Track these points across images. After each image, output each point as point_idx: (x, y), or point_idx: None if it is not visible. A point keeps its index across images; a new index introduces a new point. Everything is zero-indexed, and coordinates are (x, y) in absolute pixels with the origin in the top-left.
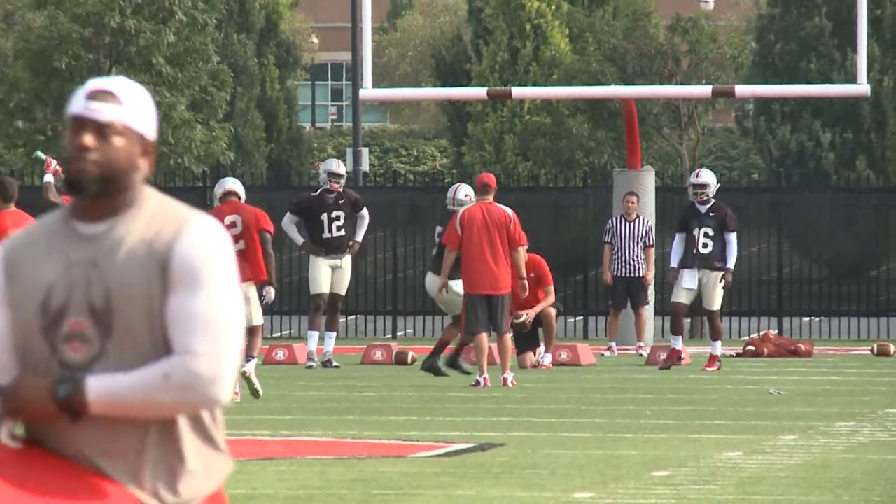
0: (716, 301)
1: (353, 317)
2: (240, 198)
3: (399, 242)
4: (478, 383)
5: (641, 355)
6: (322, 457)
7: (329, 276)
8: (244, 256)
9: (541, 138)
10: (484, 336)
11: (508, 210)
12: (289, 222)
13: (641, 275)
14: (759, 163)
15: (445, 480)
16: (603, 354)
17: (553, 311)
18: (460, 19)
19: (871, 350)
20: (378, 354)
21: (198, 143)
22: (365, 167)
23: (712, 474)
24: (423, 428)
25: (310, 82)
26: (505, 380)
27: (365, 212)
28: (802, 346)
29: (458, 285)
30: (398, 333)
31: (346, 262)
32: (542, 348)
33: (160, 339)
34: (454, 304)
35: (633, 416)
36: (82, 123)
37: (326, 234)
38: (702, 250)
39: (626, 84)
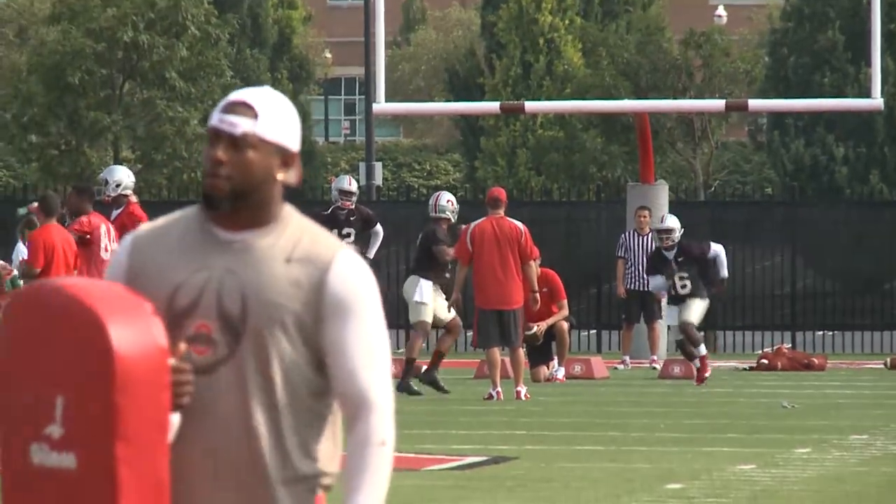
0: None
1: None
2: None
3: (412, 257)
4: (491, 397)
5: (655, 369)
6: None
7: None
8: None
9: (554, 153)
10: (496, 350)
11: (519, 224)
12: None
13: None
14: (772, 177)
15: (459, 493)
16: (616, 368)
17: (566, 325)
18: (473, 34)
19: (885, 364)
20: (392, 368)
21: None
22: (378, 182)
23: (725, 487)
24: (437, 441)
25: (323, 97)
26: (518, 393)
27: (379, 228)
28: (816, 360)
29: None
30: None
31: None
32: (555, 362)
33: (303, 355)
34: (423, 312)
35: (647, 429)
36: (217, 136)
37: None
38: (681, 291)
39: (639, 98)
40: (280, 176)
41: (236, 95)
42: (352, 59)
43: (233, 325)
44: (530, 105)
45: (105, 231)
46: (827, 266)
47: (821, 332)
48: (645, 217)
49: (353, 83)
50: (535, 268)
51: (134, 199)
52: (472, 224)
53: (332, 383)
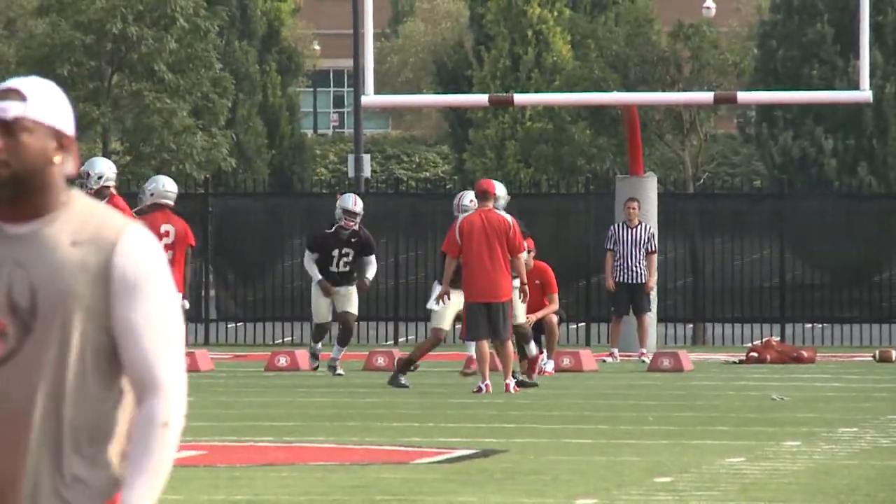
0: None
1: (355, 323)
2: (172, 208)
3: (401, 249)
4: (480, 390)
5: (644, 361)
6: (324, 463)
7: (330, 304)
8: (170, 267)
9: (543, 145)
10: (485, 343)
11: (508, 217)
12: (309, 260)
13: (643, 281)
14: (761, 169)
15: (447, 487)
16: (605, 361)
17: (555, 318)
18: (462, 26)
19: (874, 356)
20: (380, 361)
21: (199, 149)
22: (367, 174)
23: (715, 480)
24: (426, 434)
25: (311, 89)
26: (507, 386)
27: (373, 258)
28: (805, 353)
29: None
30: (400, 340)
31: (352, 289)
32: (544, 355)
33: (92, 341)
34: (438, 318)
35: (636, 422)
36: None
37: (333, 269)
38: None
39: (628, 90)
40: (57, 159)
41: (3, 84)
42: (340, 51)
43: (23, 318)
44: (519, 97)
45: None
46: (816, 258)
47: (810, 325)
48: (634, 209)
49: (341, 75)
50: (528, 260)
51: (114, 190)
52: (461, 217)
53: (123, 367)
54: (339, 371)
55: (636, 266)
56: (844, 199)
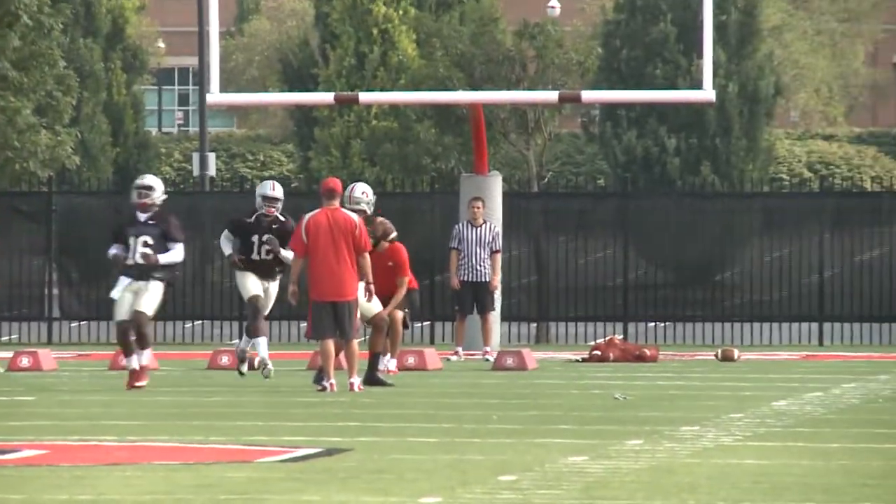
0: None
1: (201, 322)
2: None
3: None
4: (324, 388)
5: (488, 360)
6: (168, 462)
7: (256, 279)
8: None
9: (388, 143)
10: (330, 342)
11: (353, 216)
12: (225, 239)
13: (488, 280)
14: (605, 168)
15: (292, 486)
16: (450, 359)
17: (400, 316)
18: (307, 24)
19: (716, 355)
20: (224, 359)
21: (43, 147)
22: (212, 172)
23: (558, 479)
24: (270, 433)
25: (156, 87)
26: (351, 385)
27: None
28: (648, 351)
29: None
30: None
31: (274, 286)
32: (388, 354)
33: None
34: (369, 308)
35: (480, 420)
36: None
37: (255, 256)
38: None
39: (473, 89)
40: None
41: None
42: (185, 49)
43: None
44: (364, 96)
45: None
46: (659, 257)
47: (653, 324)
48: (479, 208)
49: (186, 73)
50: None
51: None
52: (307, 216)
53: None
54: (269, 366)
55: (480, 265)
56: (687, 198)
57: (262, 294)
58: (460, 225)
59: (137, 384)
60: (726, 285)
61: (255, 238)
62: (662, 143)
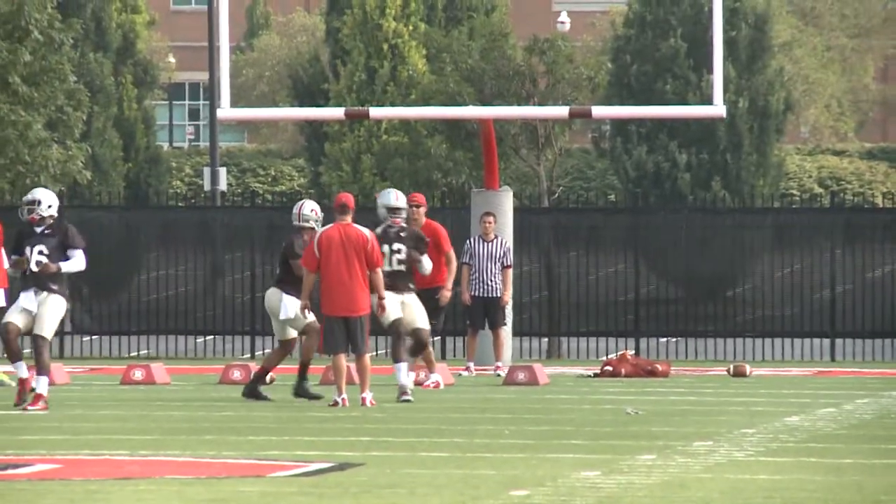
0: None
1: (212, 337)
2: None
3: (257, 262)
4: (336, 403)
5: (500, 375)
6: (181, 476)
7: (396, 301)
8: None
9: (398, 158)
10: (342, 357)
11: (366, 231)
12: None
13: (499, 295)
14: (615, 184)
15: (304, 500)
16: (461, 374)
17: (427, 331)
18: (318, 39)
19: (728, 370)
20: (236, 374)
21: (54, 162)
22: (223, 187)
23: (570, 494)
24: (282, 447)
25: (167, 101)
26: (363, 399)
27: (427, 262)
28: (660, 367)
29: (292, 308)
30: (257, 353)
31: (410, 298)
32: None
33: None
34: (299, 321)
35: (492, 435)
36: None
37: (387, 268)
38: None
39: (483, 105)
40: None
41: None
42: (196, 64)
43: None
44: (375, 111)
45: None
46: (670, 273)
47: (664, 339)
48: (490, 223)
49: (197, 88)
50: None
51: None
52: (320, 231)
53: None
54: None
55: (492, 280)
56: (698, 213)
57: (402, 314)
58: (471, 240)
59: (31, 408)
60: (738, 301)
61: (386, 248)
62: (673, 159)
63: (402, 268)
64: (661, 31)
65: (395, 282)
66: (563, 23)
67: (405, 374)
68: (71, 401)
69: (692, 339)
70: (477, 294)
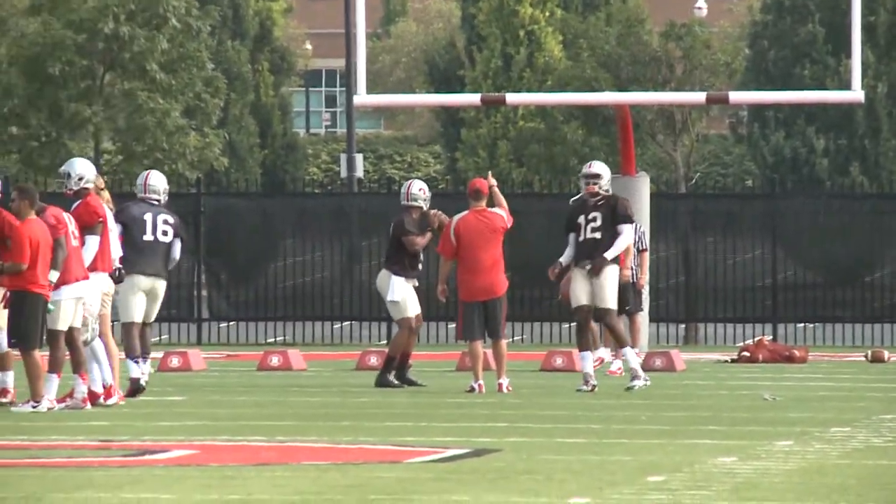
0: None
1: (349, 323)
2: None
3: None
4: (473, 389)
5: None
6: (317, 462)
7: (585, 285)
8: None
9: (535, 144)
10: (479, 343)
11: (502, 212)
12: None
13: (636, 280)
14: (753, 169)
15: (441, 486)
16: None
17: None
18: (454, 26)
19: (866, 356)
20: (373, 360)
21: (192, 149)
22: (359, 173)
23: (707, 480)
24: (419, 433)
25: (304, 88)
26: (500, 385)
27: (626, 229)
28: (797, 352)
29: (399, 291)
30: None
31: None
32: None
33: None
34: (402, 309)
35: (628, 421)
36: None
37: (581, 238)
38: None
39: (619, 90)
40: None
41: None
42: (332, 51)
43: None
44: (511, 97)
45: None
46: (808, 258)
47: (802, 325)
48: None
49: (333, 75)
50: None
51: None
52: (456, 218)
53: None
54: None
55: (629, 265)
56: (836, 198)
57: (589, 302)
58: None
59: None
60: (876, 286)
61: (582, 219)
62: (811, 144)
63: (597, 235)
64: (800, 16)
65: (591, 251)
66: (700, 8)
67: (633, 358)
68: (208, 387)
69: (830, 325)
70: None
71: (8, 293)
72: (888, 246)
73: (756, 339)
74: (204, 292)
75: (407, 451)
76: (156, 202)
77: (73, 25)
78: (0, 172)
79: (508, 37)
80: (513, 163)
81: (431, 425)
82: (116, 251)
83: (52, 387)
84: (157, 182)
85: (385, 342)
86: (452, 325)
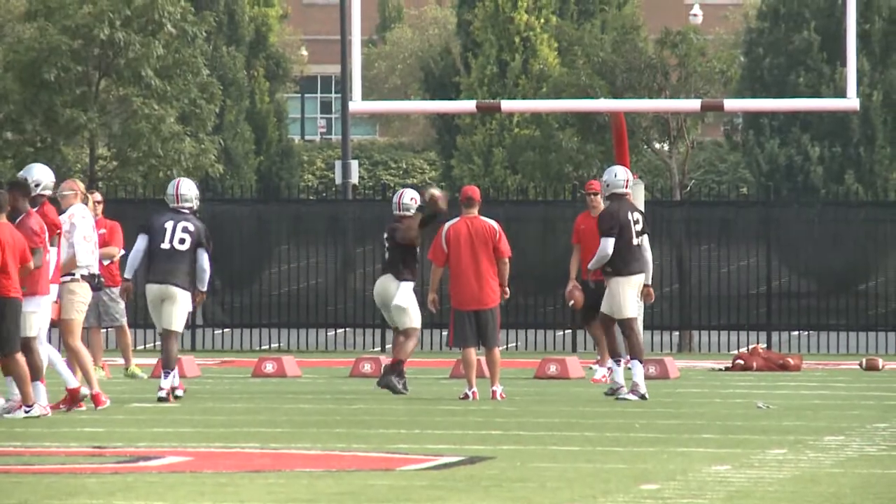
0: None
1: (343, 330)
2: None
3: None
4: (466, 396)
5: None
6: (311, 469)
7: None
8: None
9: (530, 151)
10: (472, 350)
11: (493, 223)
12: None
13: None
14: (747, 177)
15: (434, 493)
16: (592, 368)
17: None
18: (449, 32)
19: (860, 364)
20: (367, 367)
21: (187, 155)
22: (354, 180)
23: (701, 488)
24: (413, 441)
25: (299, 95)
26: (494, 393)
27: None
28: (791, 361)
29: (409, 297)
30: (387, 346)
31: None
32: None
33: None
34: (411, 317)
35: (622, 429)
36: None
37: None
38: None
39: (615, 97)
40: None
41: None
42: (328, 57)
43: None
44: (506, 104)
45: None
46: (802, 266)
47: (796, 333)
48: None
49: (329, 81)
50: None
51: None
52: (447, 224)
53: None
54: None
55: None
56: (831, 206)
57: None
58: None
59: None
60: (870, 294)
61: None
62: (806, 152)
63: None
64: (795, 23)
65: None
66: (695, 16)
67: (639, 372)
68: (202, 393)
69: (824, 333)
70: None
71: None
72: (883, 254)
73: (750, 347)
74: None
75: (400, 458)
76: (187, 210)
77: (68, 31)
78: None
79: (504, 44)
80: (508, 170)
81: (425, 432)
82: (95, 259)
83: (40, 393)
84: (187, 190)
85: (379, 349)
86: (446, 332)
